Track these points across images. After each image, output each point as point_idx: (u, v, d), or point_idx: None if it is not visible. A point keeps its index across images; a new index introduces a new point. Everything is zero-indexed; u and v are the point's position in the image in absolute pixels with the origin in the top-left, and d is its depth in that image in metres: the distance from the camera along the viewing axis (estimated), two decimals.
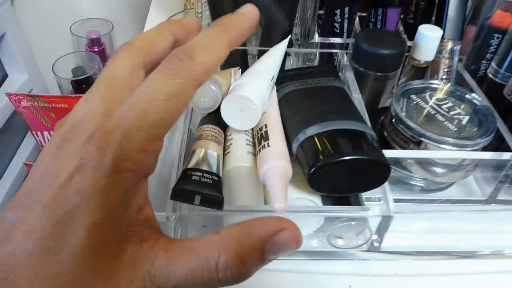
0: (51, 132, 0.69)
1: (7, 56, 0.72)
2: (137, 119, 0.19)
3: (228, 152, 0.32)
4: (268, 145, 0.30)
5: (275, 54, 0.38)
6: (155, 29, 0.24)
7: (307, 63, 0.46)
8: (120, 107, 0.20)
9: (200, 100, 0.33)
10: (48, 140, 0.70)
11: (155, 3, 0.63)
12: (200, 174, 0.28)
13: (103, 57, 0.77)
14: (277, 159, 0.28)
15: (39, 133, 0.69)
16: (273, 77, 0.35)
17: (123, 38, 0.79)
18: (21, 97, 0.63)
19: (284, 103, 0.35)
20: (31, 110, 0.65)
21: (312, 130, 0.29)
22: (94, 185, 0.17)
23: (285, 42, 0.39)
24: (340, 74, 0.40)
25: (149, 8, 0.67)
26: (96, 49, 0.76)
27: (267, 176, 0.27)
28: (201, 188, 0.27)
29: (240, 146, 0.33)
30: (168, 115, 0.19)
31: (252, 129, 0.34)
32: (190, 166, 0.29)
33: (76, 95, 0.62)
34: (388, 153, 0.29)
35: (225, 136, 0.34)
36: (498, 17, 0.39)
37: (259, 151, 0.30)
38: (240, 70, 0.41)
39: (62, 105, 0.64)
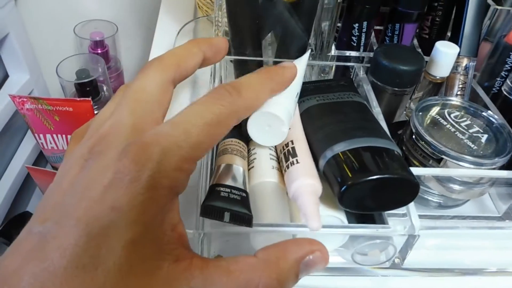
0: (54, 135, 0.68)
1: (9, 56, 0.71)
2: (179, 138, 0.19)
3: (253, 167, 0.32)
4: (297, 162, 0.30)
5: (299, 69, 0.38)
6: (185, 46, 0.25)
7: (322, 75, 0.46)
8: (159, 124, 0.20)
9: None
10: (50, 143, 0.69)
11: (164, 8, 0.63)
12: (229, 190, 0.28)
13: (106, 59, 0.76)
14: (307, 176, 0.28)
15: (41, 135, 0.68)
16: (297, 93, 0.36)
17: (127, 40, 0.78)
18: (25, 99, 0.62)
19: (306, 118, 0.35)
20: (35, 112, 0.64)
21: (340, 147, 0.30)
22: (130, 200, 0.17)
23: (306, 56, 0.39)
24: (356, 86, 0.40)
25: (155, 11, 0.66)
26: (99, 51, 0.75)
27: (297, 193, 0.27)
28: (230, 205, 0.27)
29: (264, 160, 0.33)
30: (208, 139, 0.20)
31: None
32: (217, 181, 0.29)
33: (82, 98, 0.61)
34: (413, 171, 0.29)
35: (248, 150, 0.34)
36: None
37: (288, 167, 0.30)
38: None
39: (67, 108, 0.64)
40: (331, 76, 0.46)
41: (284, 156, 0.32)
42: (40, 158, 0.81)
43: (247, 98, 0.22)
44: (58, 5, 0.77)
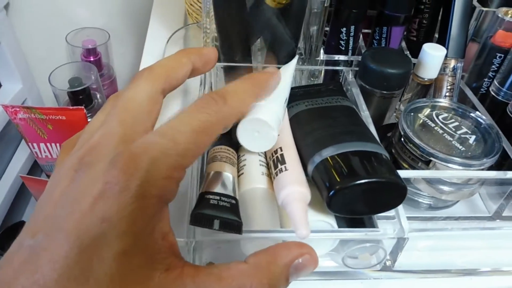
0: (48, 144, 0.68)
1: (1, 66, 0.71)
2: (166, 147, 0.19)
3: (242, 173, 0.33)
4: (286, 169, 0.30)
5: (286, 75, 0.38)
6: (175, 56, 0.25)
7: (312, 79, 0.46)
8: (147, 133, 0.20)
9: None
10: (44, 152, 0.69)
11: (155, 15, 0.63)
12: (218, 197, 0.28)
13: (99, 67, 0.76)
14: (296, 184, 0.28)
15: (35, 144, 0.68)
16: (286, 99, 0.36)
17: (120, 47, 0.78)
18: (18, 109, 0.63)
19: (295, 123, 0.36)
20: (28, 122, 0.64)
21: (328, 152, 0.30)
22: (120, 211, 0.17)
23: (294, 62, 0.39)
24: (345, 89, 0.41)
25: (146, 17, 0.66)
26: (91, 59, 0.75)
27: (286, 201, 0.28)
28: (220, 212, 0.27)
29: (254, 167, 0.33)
30: (196, 147, 0.20)
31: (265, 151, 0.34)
32: (206, 189, 0.29)
33: (75, 107, 0.61)
34: (401, 173, 0.29)
35: (238, 157, 0.34)
36: (500, 37, 0.40)
37: (276, 175, 0.30)
38: None
39: (60, 117, 0.64)
40: (320, 80, 0.47)
41: (273, 163, 0.32)
42: (34, 167, 0.81)
43: (233, 106, 0.22)
44: (50, 13, 0.77)
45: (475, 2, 0.44)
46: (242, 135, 0.32)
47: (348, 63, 0.45)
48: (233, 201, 0.29)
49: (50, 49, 0.79)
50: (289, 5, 0.43)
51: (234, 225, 0.27)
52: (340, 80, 0.44)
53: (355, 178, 0.28)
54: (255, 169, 0.33)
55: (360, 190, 0.28)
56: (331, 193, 0.27)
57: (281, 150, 0.32)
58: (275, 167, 0.31)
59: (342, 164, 0.29)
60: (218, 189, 0.29)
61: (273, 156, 0.32)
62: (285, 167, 0.31)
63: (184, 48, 0.52)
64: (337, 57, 0.45)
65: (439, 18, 0.43)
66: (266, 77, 0.27)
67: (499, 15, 0.39)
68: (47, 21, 0.78)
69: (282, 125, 0.35)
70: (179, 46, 0.54)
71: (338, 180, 0.28)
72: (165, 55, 0.60)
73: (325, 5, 0.40)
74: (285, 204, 0.28)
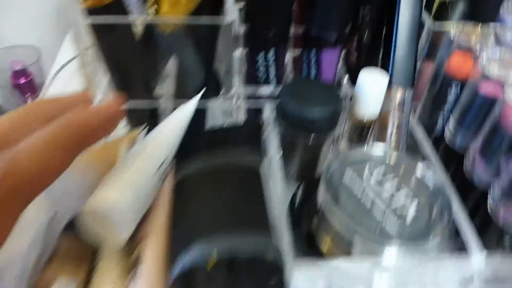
0: None
1: None
2: None
3: (95, 276, 0.24)
4: (139, 276, 0.21)
5: (174, 125, 0.29)
6: (19, 112, 0.17)
7: (229, 118, 0.38)
8: None
9: None
10: None
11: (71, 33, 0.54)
12: None
13: (32, 88, 0.68)
14: None
15: None
16: (164, 161, 0.27)
17: (53, 65, 0.70)
18: None
19: (178, 192, 0.27)
20: None
21: (194, 254, 0.21)
22: None
23: (192, 104, 0.30)
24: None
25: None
26: (22, 81, 0.67)
27: None
28: None
29: (110, 267, 0.24)
30: None
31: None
32: None
33: None
34: None
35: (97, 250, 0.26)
36: (455, 62, 0.31)
37: (129, 283, 0.22)
38: (146, 129, 0.32)
39: None
40: (240, 119, 0.38)
41: (131, 263, 0.24)
42: None
43: (25, 171, 0.15)
44: None
45: (424, 16, 0.34)
46: (84, 228, 0.24)
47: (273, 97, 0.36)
48: None
49: None
50: (192, 28, 0.34)
51: None
52: (261, 119, 0.35)
53: None
54: (110, 270, 0.24)
55: None
56: None
57: (143, 242, 0.24)
58: (131, 269, 0.23)
59: (205, 280, 0.20)
60: None
61: (132, 251, 0.24)
62: (139, 271, 0.22)
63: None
64: (252, 89, 0.35)
65: (383, 36, 0.34)
66: (88, 119, 0.18)
67: (452, 36, 0.30)
68: None
69: (154, 201, 0.26)
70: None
71: None
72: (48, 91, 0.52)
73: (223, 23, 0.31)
74: None
